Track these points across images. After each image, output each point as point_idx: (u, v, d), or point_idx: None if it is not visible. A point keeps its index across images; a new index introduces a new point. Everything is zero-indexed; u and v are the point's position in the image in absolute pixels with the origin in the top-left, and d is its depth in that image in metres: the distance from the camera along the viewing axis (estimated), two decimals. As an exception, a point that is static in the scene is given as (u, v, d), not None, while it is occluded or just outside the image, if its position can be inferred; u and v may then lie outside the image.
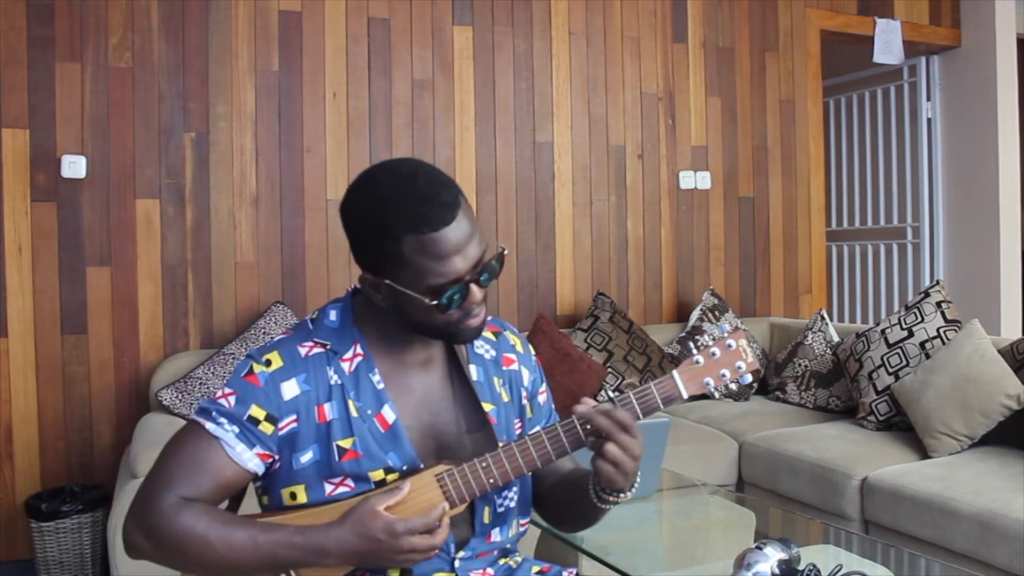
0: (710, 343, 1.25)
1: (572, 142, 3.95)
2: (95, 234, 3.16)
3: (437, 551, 1.18)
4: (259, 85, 3.40)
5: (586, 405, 1.21)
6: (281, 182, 3.44)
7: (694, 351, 1.25)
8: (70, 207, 3.13)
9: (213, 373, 3.01)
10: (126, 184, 3.21)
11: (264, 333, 3.14)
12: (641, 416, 1.22)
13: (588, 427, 1.20)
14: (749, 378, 1.27)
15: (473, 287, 1.19)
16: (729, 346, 1.24)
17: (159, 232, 3.25)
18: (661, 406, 1.23)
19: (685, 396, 1.23)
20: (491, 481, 1.20)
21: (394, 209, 1.15)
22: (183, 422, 1.63)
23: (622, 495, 1.25)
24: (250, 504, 1.28)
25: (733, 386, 1.29)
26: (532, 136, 3.87)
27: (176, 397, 2.95)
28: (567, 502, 1.36)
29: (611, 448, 1.18)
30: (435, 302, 1.17)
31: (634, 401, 1.22)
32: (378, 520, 1.13)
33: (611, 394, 1.23)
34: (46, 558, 2.86)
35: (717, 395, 1.51)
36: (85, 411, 3.15)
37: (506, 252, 1.25)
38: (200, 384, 2.97)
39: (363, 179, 1.21)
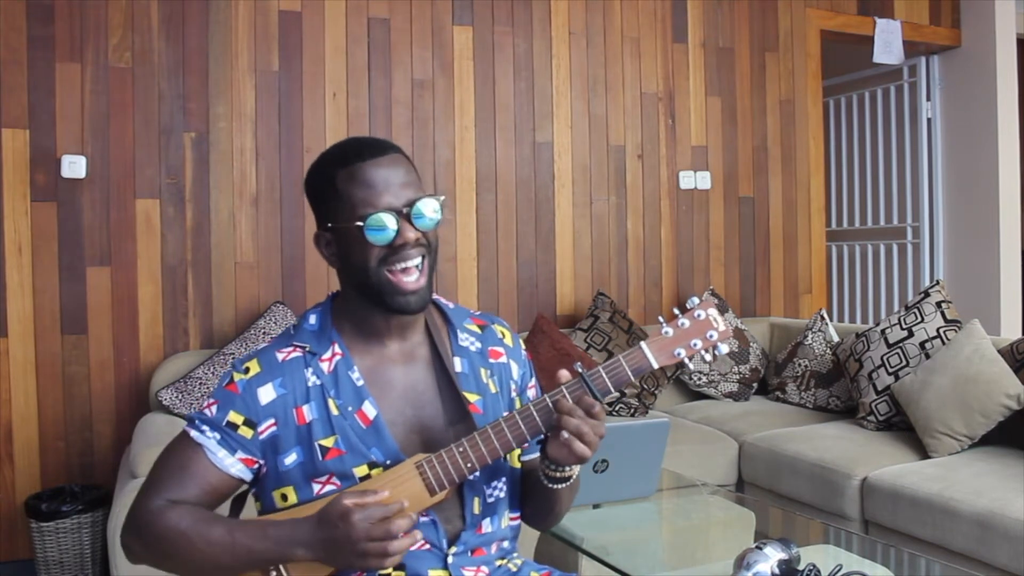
0: (679, 315, 1.25)
1: (572, 142, 3.94)
2: (95, 234, 3.16)
3: (394, 555, 1.12)
4: (259, 85, 3.40)
5: (564, 377, 1.22)
6: (281, 182, 3.44)
7: (663, 324, 1.25)
8: (70, 207, 3.13)
9: (213, 373, 3.00)
10: (126, 184, 3.21)
11: (264, 333, 3.14)
12: (612, 388, 1.22)
13: (556, 403, 1.20)
14: (724, 348, 1.25)
15: (405, 225, 1.21)
16: (698, 316, 1.23)
17: (159, 232, 3.25)
18: (631, 377, 1.22)
19: (655, 366, 1.22)
20: (469, 465, 1.20)
21: (331, 157, 1.27)
22: (183, 422, 1.68)
23: (567, 469, 1.26)
24: (250, 512, 1.29)
25: (708, 356, 1.26)
26: (532, 136, 3.87)
27: (176, 397, 2.95)
28: (526, 491, 1.38)
29: (574, 422, 1.18)
30: (361, 223, 1.20)
31: (604, 374, 1.22)
32: (337, 506, 1.13)
33: (580, 369, 1.22)
34: (46, 558, 2.86)
35: (692, 365, 1.50)
36: (85, 411, 3.15)
37: (444, 199, 1.28)
38: (200, 384, 2.97)
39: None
